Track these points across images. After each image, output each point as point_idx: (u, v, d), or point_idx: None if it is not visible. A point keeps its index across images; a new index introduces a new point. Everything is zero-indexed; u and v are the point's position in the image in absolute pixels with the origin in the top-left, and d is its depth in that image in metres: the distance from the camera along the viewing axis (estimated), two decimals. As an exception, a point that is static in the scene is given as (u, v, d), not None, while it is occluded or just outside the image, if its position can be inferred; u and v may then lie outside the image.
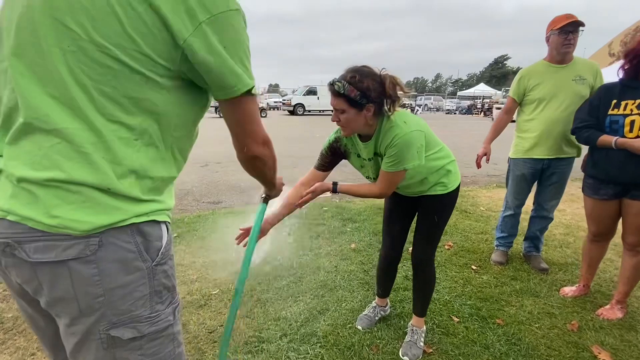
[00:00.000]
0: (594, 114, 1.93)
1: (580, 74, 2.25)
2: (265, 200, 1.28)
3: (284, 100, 24.59)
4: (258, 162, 0.86)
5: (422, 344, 1.71)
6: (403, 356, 1.66)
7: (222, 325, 1.85)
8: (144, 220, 0.71)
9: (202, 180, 5.13)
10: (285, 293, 2.17)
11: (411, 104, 24.79)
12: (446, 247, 2.87)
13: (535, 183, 2.53)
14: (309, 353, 1.67)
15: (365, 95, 1.27)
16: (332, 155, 1.59)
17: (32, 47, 0.63)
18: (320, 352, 1.68)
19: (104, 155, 0.64)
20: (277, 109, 27.85)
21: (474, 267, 2.54)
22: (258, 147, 0.81)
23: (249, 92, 0.73)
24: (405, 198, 1.66)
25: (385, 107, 1.33)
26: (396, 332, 1.83)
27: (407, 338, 1.74)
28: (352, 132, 1.41)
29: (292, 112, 22.27)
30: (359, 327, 1.86)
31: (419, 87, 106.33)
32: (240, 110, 0.75)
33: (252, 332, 1.80)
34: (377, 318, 1.92)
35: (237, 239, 1.47)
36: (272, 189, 1.19)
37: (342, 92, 1.27)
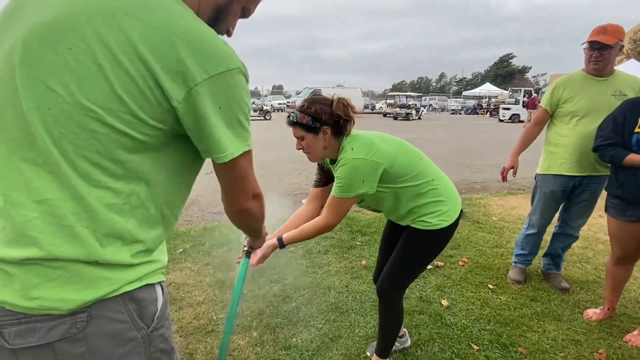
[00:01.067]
0: (618, 131, 1.82)
1: (621, 89, 2.10)
2: (248, 254, 1.29)
3: (289, 102, 24.61)
4: (246, 216, 0.81)
5: None
6: None
7: (230, 355, 1.77)
8: (137, 287, 0.64)
9: (207, 189, 5.06)
10: (295, 317, 2.08)
11: (416, 105, 24.62)
12: (460, 263, 2.77)
13: None
14: (322, 387, 1.59)
15: (316, 119, 1.33)
16: (322, 172, 1.61)
17: (12, 109, 0.56)
18: (334, 387, 1.59)
19: (88, 225, 0.58)
20: (282, 111, 27.86)
21: (490, 286, 2.44)
22: (248, 202, 0.76)
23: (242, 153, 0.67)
24: (400, 226, 1.55)
25: (343, 127, 1.37)
26: (413, 363, 1.74)
27: None
28: (317, 157, 1.44)
29: (297, 114, 22.28)
30: (368, 354, 1.79)
31: (423, 87, 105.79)
32: (231, 171, 0.69)
33: (262, 363, 1.72)
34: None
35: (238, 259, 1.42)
36: (257, 239, 1.16)
37: (296, 120, 1.35)
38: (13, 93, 0.56)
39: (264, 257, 1.40)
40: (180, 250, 2.95)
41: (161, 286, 0.71)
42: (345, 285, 2.44)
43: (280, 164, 7.00)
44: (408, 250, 1.49)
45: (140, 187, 0.63)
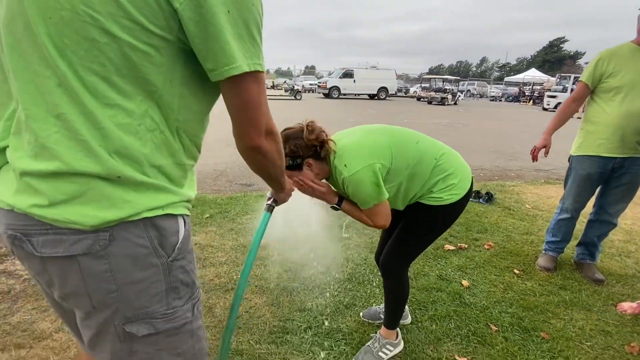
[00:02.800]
0: None
1: None
2: (271, 208, 1.21)
3: (320, 82, 24.29)
4: (259, 155, 0.74)
5: (382, 354, 1.55)
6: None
7: (247, 312, 1.84)
8: (158, 214, 0.65)
9: (235, 162, 5.18)
10: (312, 283, 2.12)
11: (452, 89, 23.49)
12: (485, 246, 2.67)
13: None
14: (333, 349, 1.61)
15: (295, 157, 1.28)
16: None
17: (21, 18, 0.55)
18: (344, 350, 1.61)
19: (101, 143, 0.57)
20: (313, 92, 27.67)
21: (516, 271, 2.34)
22: (260, 138, 0.70)
23: (252, 72, 0.62)
24: None
25: (321, 152, 1.30)
26: (427, 337, 1.72)
27: (368, 343, 1.61)
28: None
29: (327, 95, 21.99)
30: (360, 315, 1.84)
31: (462, 71, 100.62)
32: (239, 93, 0.63)
33: (276, 322, 1.77)
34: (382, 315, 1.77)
35: None
36: (279, 190, 1.11)
37: None
38: (19, 3, 0.55)
39: (314, 192, 1.34)
40: (207, 215, 3.06)
41: (184, 219, 0.71)
42: (363, 258, 2.44)
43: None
44: (415, 226, 1.41)
45: (153, 109, 0.61)
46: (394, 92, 24.54)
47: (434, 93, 22.11)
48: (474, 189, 4.05)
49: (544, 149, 2.34)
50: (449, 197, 1.32)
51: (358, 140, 1.30)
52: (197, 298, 0.77)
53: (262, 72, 0.65)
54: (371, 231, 2.87)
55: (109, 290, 0.64)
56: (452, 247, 2.62)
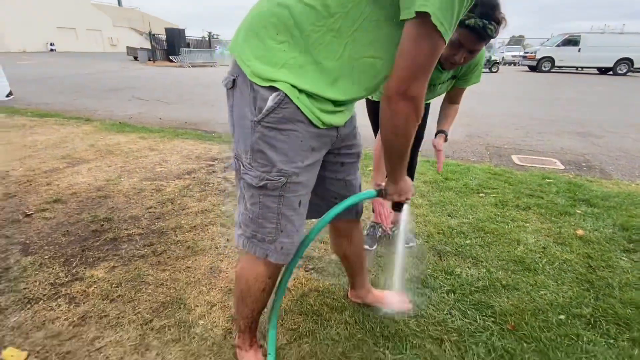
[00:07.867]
0: None
1: None
2: (380, 192, 1.05)
3: (526, 52, 20.05)
4: (386, 109, 0.77)
5: None
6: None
7: (380, 266, 1.84)
8: (258, 83, 0.76)
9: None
10: (466, 252, 1.89)
11: None
12: None
13: None
14: (477, 322, 1.41)
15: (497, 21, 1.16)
16: None
17: None
18: (490, 326, 1.38)
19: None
20: (515, 64, 23.40)
21: None
22: (393, 90, 0.73)
23: (425, 19, 0.65)
24: None
25: None
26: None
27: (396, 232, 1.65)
28: None
29: (535, 68, 18.03)
30: (367, 247, 1.87)
31: None
32: (404, 35, 0.70)
33: (417, 273, 1.70)
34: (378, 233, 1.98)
35: None
36: (392, 178, 0.97)
37: (493, 35, 1.14)
38: None
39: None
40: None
41: (283, 96, 0.75)
42: (542, 246, 1.97)
43: (497, 117, 6.08)
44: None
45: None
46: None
47: None
48: None
49: None
50: None
51: None
52: (273, 180, 0.81)
53: (433, 24, 0.65)
54: (558, 219, 2.28)
55: (228, 122, 0.88)
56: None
